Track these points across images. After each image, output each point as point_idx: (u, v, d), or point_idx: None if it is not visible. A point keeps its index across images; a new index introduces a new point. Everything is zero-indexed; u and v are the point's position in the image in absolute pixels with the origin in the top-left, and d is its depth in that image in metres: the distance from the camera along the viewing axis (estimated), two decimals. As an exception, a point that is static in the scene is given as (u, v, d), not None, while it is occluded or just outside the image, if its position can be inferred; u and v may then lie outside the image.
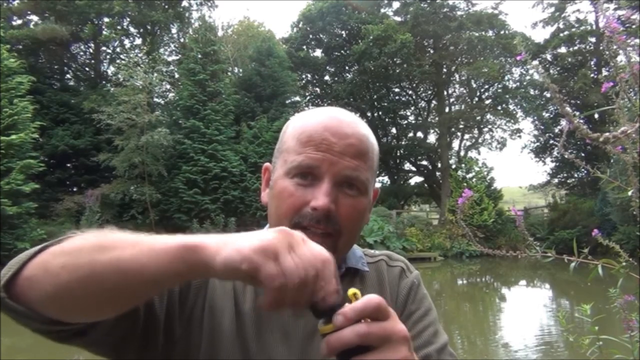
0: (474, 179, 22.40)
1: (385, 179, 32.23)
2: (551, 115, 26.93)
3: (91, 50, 24.77)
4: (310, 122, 0.76)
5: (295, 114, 0.84)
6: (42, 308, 0.55)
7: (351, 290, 0.54)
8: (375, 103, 30.04)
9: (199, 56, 20.47)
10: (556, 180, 28.66)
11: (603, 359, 1.88)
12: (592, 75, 24.62)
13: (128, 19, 24.06)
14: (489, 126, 29.72)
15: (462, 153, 29.16)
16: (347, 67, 30.15)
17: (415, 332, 0.78)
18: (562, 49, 27.08)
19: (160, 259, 0.52)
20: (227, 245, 0.52)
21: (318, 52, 30.23)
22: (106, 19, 23.20)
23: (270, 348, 0.72)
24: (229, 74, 25.65)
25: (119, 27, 23.39)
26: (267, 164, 0.83)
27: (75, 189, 20.47)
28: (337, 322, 0.50)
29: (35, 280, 0.55)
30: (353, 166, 0.73)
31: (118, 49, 24.57)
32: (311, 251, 0.51)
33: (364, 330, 0.50)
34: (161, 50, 25.02)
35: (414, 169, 31.97)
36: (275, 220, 0.75)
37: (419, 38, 26.88)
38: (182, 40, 26.48)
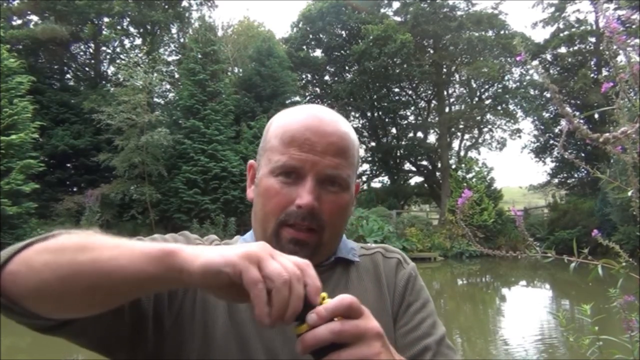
0: (474, 179, 22.40)
1: (385, 179, 32.26)
2: (551, 116, 26.91)
3: (91, 50, 24.77)
4: (292, 121, 0.79)
5: (278, 113, 0.86)
6: (25, 303, 0.57)
7: (321, 295, 0.55)
8: (375, 103, 30.02)
9: (199, 56, 20.47)
10: (556, 180, 28.64)
11: (603, 359, 1.88)
12: (592, 75, 24.60)
13: (128, 19, 24.05)
14: (489, 126, 29.75)
15: (462, 153, 29.16)
16: (347, 67, 30.14)
17: (414, 323, 0.80)
18: (562, 49, 27.06)
19: (138, 261, 0.54)
20: (208, 251, 0.54)
21: (318, 52, 30.23)
22: (106, 19, 23.21)
23: (269, 341, 0.73)
24: (229, 74, 25.65)
25: (119, 27, 23.39)
26: (251, 162, 0.87)
27: (75, 189, 20.46)
28: (310, 320, 0.52)
29: (19, 275, 0.56)
30: (334, 165, 0.76)
31: (118, 49, 24.57)
32: (291, 259, 0.54)
33: (337, 328, 0.52)
34: (161, 50, 25.02)
35: (414, 169, 31.97)
36: (262, 217, 0.78)
37: (419, 38, 26.87)
38: (182, 40, 26.48)
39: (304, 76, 29.98)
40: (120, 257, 0.54)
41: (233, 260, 0.52)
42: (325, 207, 0.75)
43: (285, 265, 0.53)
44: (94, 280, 0.55)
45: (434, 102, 30.38)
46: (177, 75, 24.48)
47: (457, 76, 29.85)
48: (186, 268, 0.53)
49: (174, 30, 26.54)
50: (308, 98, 30.40)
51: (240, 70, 27.30)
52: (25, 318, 0.59)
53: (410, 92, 30.84)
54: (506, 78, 28.21)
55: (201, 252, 0.54)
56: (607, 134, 0.97)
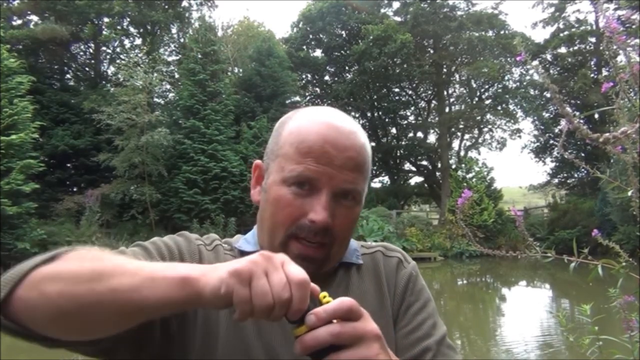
0: (474, 179, 22.40)
1: (385, 179, 32.26)
2: (551, 115, 26.91)
3: (91, 50, 24.76)
4: (309, 130, 0.75)
5: (291, 113, 0.83)
6: (36, 328, 0.56)
7: (322, 294, 0.55)
8: (375, 103, 30.02)
9: (199, 56, 20.46)
10: (556, 180, 28.64)
11: (603, 359, 1.88)
12: (592, 75, 24.61)
13: (128, 19, 24.04)
14: (489, 126, 29.74)
15: (462, 153, 29.16)
16: (347, 67, 30.15)
17: (415, 324, 0.80)
18: (562, 49, 27.06)
19: (160, 290, 0.54)
20: (213, 272, 0.54)
21: (318, 52, 30.23)
22: (106, 19, 23.19)
23: (269, 341, 0.73)
24: (229, 74, 25.65)
25: (119, 27, 23.37)
26: (258, 161, 0.84)
27: (75, 189, 20.46)
28: (309, 322, 0.53)
29: (31, 303, 0.55)
30: (351, 179, 0.74)
31: (118, 49, 24.56)
32: (288, 275, 0.54)
33: (336, 330, 0.53)
34: (161, 50, 25.01)
35: (414, 169, 31.97)
36: (270, 226, 0.76)
37: (419, 38, 26.87)
38: (182, 40, 26.47)
39: (304, 76, 29.97)
40: (142, 287, 0.54)
41: (225, 279, 0.53)
42: (337, 221, 0.74)
43: (276, 285, 0.52)
44: (114, 310, 0.54)
45: (434, 102, 30.38)
46: (177, 75, 24.48)
47: (457, 76, 29.85)
48: (202, 293, 0.54)
49: (174, 30, 26.55)
50: (308, 98, 30.41)
51: (240, 70, 27.30)
52: (31, 339, 0.58)
53: (410, 92, 30.83)
54: (506, 78, 28.22)
55: (210, 272, 0.55)
56: (607, 134, 0.97)
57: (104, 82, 23.61)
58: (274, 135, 0.81)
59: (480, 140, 29.85)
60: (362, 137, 0.79)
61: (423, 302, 0.83)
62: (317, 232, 0.72)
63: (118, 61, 21.65)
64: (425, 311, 0.82)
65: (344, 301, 0.54)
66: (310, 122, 0.77)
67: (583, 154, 22.33)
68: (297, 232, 0.73)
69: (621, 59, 1.15)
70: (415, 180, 32.89)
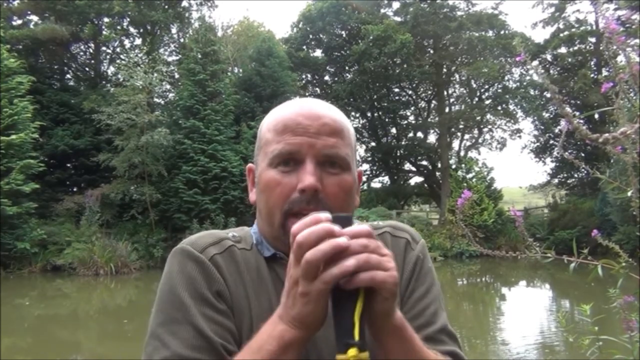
0: (474, 179, 22.40)
1: (385, 179, 32.25)
2: (551, 116, 26.91)
3: (91, 50, 24.76)
4: (284, 112, 0.79)
5: (269, 113, 0.85)
6: None
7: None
8: (375, 103, 30.01)
9: (199, 56, 20.46)
10: (556, 180, 28.62)
11: (603, 359, 1.88)
12: (592, 75, 24.60)
13: (128, 19, 24.04)
14: (489, 126, 29.71)
15: (462, 153, 29.15)
16: (347, 67, 30.12)
17: (417, 310, 0.79)
18: (562, 49, 27.06)
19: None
20: (287, 311, 0.62)
21: (318, 52, 30.23)
22: (106, 19, 23.19)
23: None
24: (229, 74, 25.63)
25: (119, 27, 23.37)
26: (250, 165, 0.85)
27: (75, 189, 20.47)
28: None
29: None
30: (331, 144, 0.75)
31: (118, 49, 24.57)
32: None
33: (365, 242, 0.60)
34: (161, 50, 25.01)
35: (414, 169, 31.97)
36: (267, 212, 0.77)
37: (419, 38, 26.87)
38: (182, 40, 26.46)
39: (304, 76, 29.96)
40: None
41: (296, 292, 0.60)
42: (329, 190, 0.73)
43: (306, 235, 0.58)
44: None
45: (434, 102, 30.38)
46: (177, 75, 24.47)
47: (457, 76, 29.83)
48: (300, 329, 0.61)
49: (174, 30, 26.53)
50: (308, 98, 30.35)
51: (240, 70, 27.28)
52: None
53: (410, 92, 30.83)
54: (506, 78, 28.19)
55: (286, 312, 0.62)
56: (607, 134, 0.97)
57: (104, 82, 23.62)
58: (257, 136, 0.83)
59: (480, 140, 29.85)
60: (336, 110, 0.80)
61: (427, 286, 0.82)
62: (310, 201, 0.72)
63: (118, 61, 21.65)
64: (428, 296, 0.81)
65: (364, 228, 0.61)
66: (284, 107, 0.81)
67: (583, 154, 22.34)
68: (291, 207, 0.73)
69: (621, 59, 1.15)
70: (415, 180, 32.92)
